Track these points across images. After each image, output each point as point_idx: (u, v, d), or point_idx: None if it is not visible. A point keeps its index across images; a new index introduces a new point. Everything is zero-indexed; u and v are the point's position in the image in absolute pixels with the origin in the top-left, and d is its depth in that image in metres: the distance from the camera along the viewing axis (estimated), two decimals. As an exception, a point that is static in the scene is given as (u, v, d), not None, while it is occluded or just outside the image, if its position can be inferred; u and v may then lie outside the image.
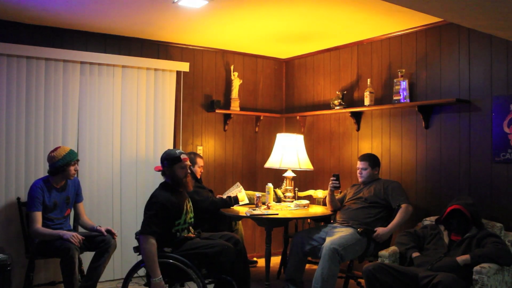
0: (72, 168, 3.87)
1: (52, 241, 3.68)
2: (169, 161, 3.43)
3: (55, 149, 3.88)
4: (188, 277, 3.27)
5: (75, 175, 3.98)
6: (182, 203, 3.46)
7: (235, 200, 4.39)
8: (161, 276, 3.18)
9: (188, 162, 3.52)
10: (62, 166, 3.81)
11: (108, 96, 4.61)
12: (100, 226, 3.93)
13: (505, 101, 3.63)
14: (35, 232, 3.71)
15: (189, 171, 3.52)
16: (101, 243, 3.79)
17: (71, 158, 3.85)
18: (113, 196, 4.60)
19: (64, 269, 3.61)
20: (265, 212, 4.12)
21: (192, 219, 3.60)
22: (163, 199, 3.32)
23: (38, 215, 3.72)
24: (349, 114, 4.83)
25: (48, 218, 3.81)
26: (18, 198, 4.03)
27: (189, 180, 3.51)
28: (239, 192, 4.56)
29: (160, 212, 3.27)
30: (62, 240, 3.65)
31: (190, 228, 3.55)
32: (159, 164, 3.60)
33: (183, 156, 3.47)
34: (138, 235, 3.32)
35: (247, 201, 4.59)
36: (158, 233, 3.23)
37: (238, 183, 4.73)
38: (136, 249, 3.41)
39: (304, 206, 4.46)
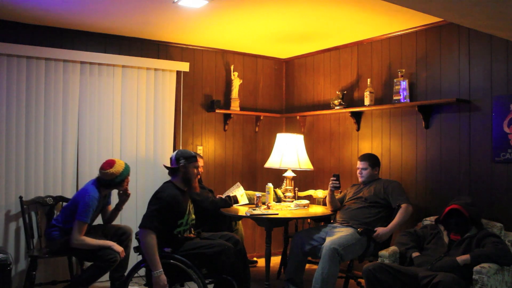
0: (126, 182, 3.91)
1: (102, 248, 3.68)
2: (186, 159, 3.46)
3: (111, 164, 3.81)
4: (188, 277, 3.27)
5: None
6: (186, 203, 3.47)
7: (234, 200, 4.40)
8: (161, 269, 3.18)
9: (199, 163, 3.58)
10: (120, 181, 3.83)
11: (108, 96, 4.61)
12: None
13: (505, 101, 3.63)
14: (81, 243, 3.65)
15: (200, 172, 3.56)
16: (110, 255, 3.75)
17: (128, 172, 3.88)
18: (113, 196, 4.59)
19: (94, 272, 3.65)
20: (265, 212, 4.12)
21: (194, 221, 3.60)
22: (168, 196, 3.32)
23: (86, 226, 3.69)
24: (349, 114, 4.83)
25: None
26: (21, 197, 4.02)
27: (197, 181, 3.56)
28: (239, 192, 4.57)
29: (164, 208, 3.27)
30: (111, 250, 3.66)
31: (193, 230, 3.56)
32: (160, 164, 3.61)
33: (197, 157, 3.57)
34: (138, 230, 3.32)
35: (247, 201, 4.59)
36: (158, 228, 3.22)
37: (238, 183, 4.73)
38: (137, 249, 3.41)
39: (304, 206, 4.46)
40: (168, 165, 3.54)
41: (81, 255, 3.92)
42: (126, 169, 3.87)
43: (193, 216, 3.60)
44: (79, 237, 3.65)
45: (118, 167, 3.81)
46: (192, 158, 3.49)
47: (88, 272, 3.73)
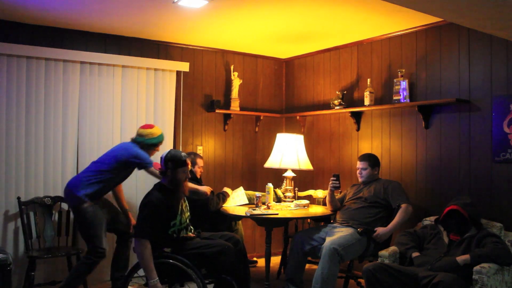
0: (157, 149, 3.99)
1: (100, 236, 3.73)
2: (174, 163, 3.35)
3: (150, 126, 3.95)
4: (188, 277, 3.27)
5: None
6: (176, 204, 3.41)
7: (223, 195, 4.39)
8: (157, 278, 3.17)
9: (189, 167, 3.50)
10: (154, 144, 3.90)
11: (108, 96, 4.61)
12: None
13: (505, 101, 3.63)
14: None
15: (189, 175, 3.50)
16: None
17: (162, 139, 3.97)
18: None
19: (82, 268, 3.70)
20: (265, 212, 4.12)
21: (189, 219, 3.58)
22: (155, 200, 3.29)
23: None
24: (349, 114, 4.83)
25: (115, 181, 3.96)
26: (19, 198, 4.03)
27: (186, 184, 3.47)
28: (239, 192, 4.57)
29: (152, 213, 3.24)
30: None
31: (190, 227, 3.55)
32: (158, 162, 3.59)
33: (188, 161, 3.45)
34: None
35: (247, 201, 4.59)
36: (150, 233, 3.21)
37: (241, 187, 4.72)
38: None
39: (304, 206, 4.46)
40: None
41: (83, 230, 3.83)
42: (162, 136, 3.97)
43: (188, 214, 3.57)
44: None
45: (156, 130, 3.93)
46: (180, 162, 3.35)
47: (75, 269, 3.77)
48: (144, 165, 3.79)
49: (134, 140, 3.92)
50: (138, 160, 3.78)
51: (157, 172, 3.59)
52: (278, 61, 5.81)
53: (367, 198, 4.06)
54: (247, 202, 4.59)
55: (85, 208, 3.69)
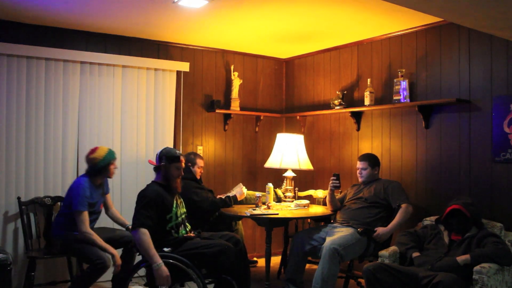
0: (112, 167, 3.90)
1: (93, 250, 3.61)
2: (168, 159, 3.44)
3: (93, 150, 3.86)
4: (188, 277, 3.27)
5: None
6: (171, 198, 3.45)
7: (234, 200, 4.39)
8: (161, 261, 3.18)
9: (183, 164, 3.54)
10: (104, 166, 3.82)
11: (108, 96, 4.61)
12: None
13: (505, 101, 3.63)
14: (88, 236, 3.62)
15: (182, 173, 3.53)
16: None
17: (111, 157, 3.87)
18: (114, 196, 4.60)
19: (84, 279, 3.63)
20: (265, 212, 4.12)
21: (185, 215, 3.59)
22: (149, 192, 3.34)
23: (87, 215, 3.68)
24: (349, 114, 4.83)
25: (89, 213, 3.78)
26: (19, 198, 4.03)
27: (179, 181, 3.52)
28: (240, 189, 4.56)
29: (148, 204, 3.28)
30: (105, 257, 3.59)
31: (187, 224, 3.55)
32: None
33: (181, 158, 3.52)
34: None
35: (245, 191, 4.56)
36: (148, 224, 3.23)
37: (240, 184, 4.72)
38: (137, 249, 3.41)
39: (304, 206, 4.46)
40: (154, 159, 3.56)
41: (78, 255, 3.87)
42: (110, 154, 3.86)
43: (183, 210, 3.59)
44: (85, 229, 3.63)
45: (100, 152, 3.83)
46: (174, 158, 3.45)
47: (78, 279, 3.76)
48: (73, 208, 3.67)
49: (87, 172, 3.85)
50: (71, 201, 3.69)
51: (82, 220, 3.61)
52: (278, 61, 5.81)
53: (367, 198, 4.06)
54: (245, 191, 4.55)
55: (70, 241, 3.70)
